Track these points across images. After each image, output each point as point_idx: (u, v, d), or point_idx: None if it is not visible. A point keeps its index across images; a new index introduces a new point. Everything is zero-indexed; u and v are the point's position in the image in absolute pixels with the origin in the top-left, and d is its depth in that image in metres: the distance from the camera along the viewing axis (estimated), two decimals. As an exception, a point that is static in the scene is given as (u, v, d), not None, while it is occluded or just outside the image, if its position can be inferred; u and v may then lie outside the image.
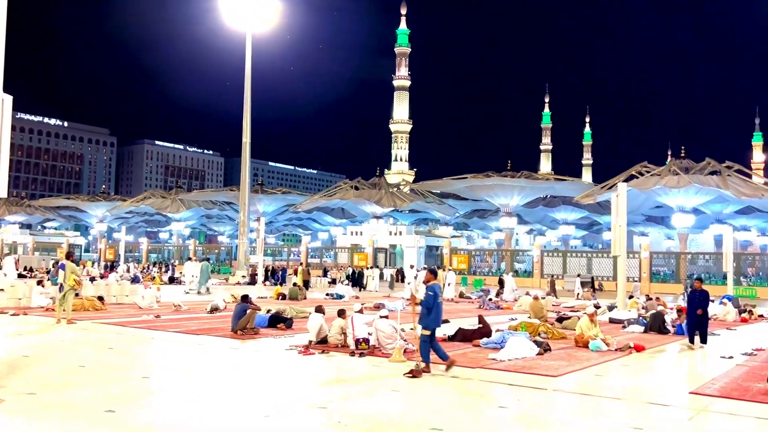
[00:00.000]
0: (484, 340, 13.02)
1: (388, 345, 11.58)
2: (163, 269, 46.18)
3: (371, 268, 40.63)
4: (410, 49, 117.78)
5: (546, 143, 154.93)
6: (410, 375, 9.55)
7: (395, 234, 59.22)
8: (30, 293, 19.89)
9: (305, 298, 26.14)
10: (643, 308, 20.47)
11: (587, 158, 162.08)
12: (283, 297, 25.86)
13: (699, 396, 8.78)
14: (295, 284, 30.07)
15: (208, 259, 36.13)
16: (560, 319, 17.74)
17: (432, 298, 9.73)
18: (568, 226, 69.00)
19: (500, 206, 61.77)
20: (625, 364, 11.68)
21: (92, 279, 27.44)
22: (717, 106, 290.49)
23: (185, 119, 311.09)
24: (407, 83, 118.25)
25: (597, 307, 18.84)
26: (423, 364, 9.78)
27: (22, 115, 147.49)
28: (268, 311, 16.40)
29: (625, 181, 42.13)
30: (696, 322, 13.99)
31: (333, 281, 38.69)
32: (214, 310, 19.16)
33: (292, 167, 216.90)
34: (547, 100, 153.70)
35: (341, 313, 12.75)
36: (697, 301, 13.96)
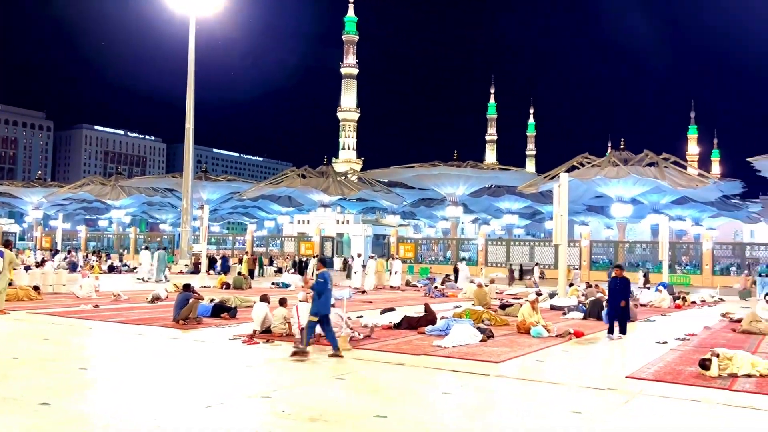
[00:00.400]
0: (429, 327, 13.15)
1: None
2: (104, 258, 44.86)
3: (334, 257, 40.38)
4: (358, 37, 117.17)
5: (491, 134, 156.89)
6: (296, 356, 10.01)
7: (342, 223, 59.05)
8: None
9: (250, 287, 25.83)
10: (582, 295, 21.03)
11: (531, 149, 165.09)
12: (228, 286, 25.51)
13: (635, 380, 9.08)
14: (239, 273, 29.70)
15: (165, 248, 35.46)
16: (503, 306, 18.09)
17: (322, 285, 10.18)
18: (512, 216, 70.18)
19: (446, 195, 62.35)
20: (565, 349, 11.98)
21: (27, 268, 26.42)
22: (656, 100, 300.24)
23: (126, 104, 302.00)
24: (355, 71, 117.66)
25: (539, 294, 19.26)
26: (304, 346, 10.22)
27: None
28: (212, 300, 16.14)
29: (567, 171, 43.11)
30: (617, 312, 13.54)
31: (279, 270, 38.39)
32: (156, 299, 18.75)
33: (238, 154, 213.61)
34: (492, 91, 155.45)
35: (282, 302, 12.69)
36: (618, 288, 13.55)
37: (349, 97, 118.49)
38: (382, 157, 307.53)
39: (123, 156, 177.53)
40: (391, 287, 28.62)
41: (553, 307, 19.28)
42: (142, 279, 29.68)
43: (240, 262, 34.94)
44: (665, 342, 12.93)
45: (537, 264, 36.10)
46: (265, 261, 40.57)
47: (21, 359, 9.65)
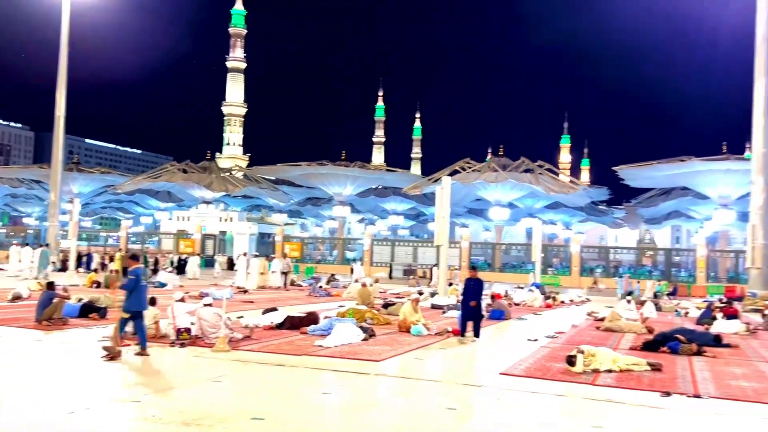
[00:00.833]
0: (312, 327, 13.05)
1: (212, 334, 11.20)
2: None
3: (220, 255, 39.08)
4: (246, 31, 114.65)
5: (379, 136, 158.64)
6: (108, 358, 9.54)
7: (226, 220, 57.49)
8: None
9: (124, 286, 24.49)
10: (461, 294, 21.69)
11: (416, 152, 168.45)
12: (98, 285, 24.10)
13: (507, 377, 9.46)
14: (112, 271, 28.11)
15: (47, 245, 32.89)
16: (386, 305, 18.33)
17: (133, 282, 10.11)
18: (398, 216, 71.29)
19: (334, 195, 62.32)
20: (443, 347, 12.30)
21: None
22: (533, 109, 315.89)
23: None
24: (242, 65, 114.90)
25: (420, 293, 19.70)
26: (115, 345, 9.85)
27: None
28: (80, 300, 15.18)
29: (450, 175, 44.42)
30: (468, 312, 13.33)
31: (155, 269, 36.71)
32: (17, 298, 17.39)
33: (114, 146, 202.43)
34: (381, 93, 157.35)
35: (152, 302, 12.16)
36: (471, 291, 13.38)
37: (235, 91, 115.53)
38: (269, 154, 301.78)
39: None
40: (273, 287, 28.17)
41: (433, 306, 19.78)
42: (17, 277, 27.49)
43: (111, 260, 33.09)
44: (536, 339, 13.60)
45: (435, 265, 36.86)
46: (150, 260, 38.64)
47: None
